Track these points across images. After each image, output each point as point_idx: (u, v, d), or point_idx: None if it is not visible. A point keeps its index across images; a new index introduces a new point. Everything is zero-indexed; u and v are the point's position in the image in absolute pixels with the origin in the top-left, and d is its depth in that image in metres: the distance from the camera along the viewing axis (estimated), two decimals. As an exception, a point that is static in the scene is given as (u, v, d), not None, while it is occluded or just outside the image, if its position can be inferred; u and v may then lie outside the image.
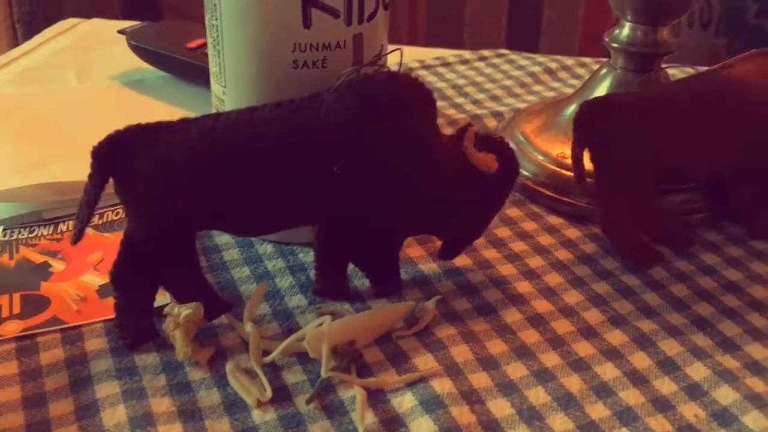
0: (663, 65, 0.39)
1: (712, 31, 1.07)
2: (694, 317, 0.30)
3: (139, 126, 0.27)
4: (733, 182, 0.36)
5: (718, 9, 1.06)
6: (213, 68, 0.32)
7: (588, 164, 0.33)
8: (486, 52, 0.58)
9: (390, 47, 0.34)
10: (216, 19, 0.30)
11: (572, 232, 0.36)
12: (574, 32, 0.91)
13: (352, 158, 0.27)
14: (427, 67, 0.55)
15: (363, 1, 0.29)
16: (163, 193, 0.27)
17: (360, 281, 0.32)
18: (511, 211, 0.37)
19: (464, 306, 0.31)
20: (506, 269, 0.33)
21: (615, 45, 0.38)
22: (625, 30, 0.38)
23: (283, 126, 0.27)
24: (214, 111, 0.33)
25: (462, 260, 0.33)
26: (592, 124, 0.33)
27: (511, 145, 0.41)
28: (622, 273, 0.33)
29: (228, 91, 0.31)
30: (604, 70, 0.40)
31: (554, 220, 0.37)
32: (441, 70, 0.55)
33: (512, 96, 0.51)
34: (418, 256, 0.33)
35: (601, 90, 0.39)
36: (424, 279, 0.32)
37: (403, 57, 0.31)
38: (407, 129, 0.28)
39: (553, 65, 0.55)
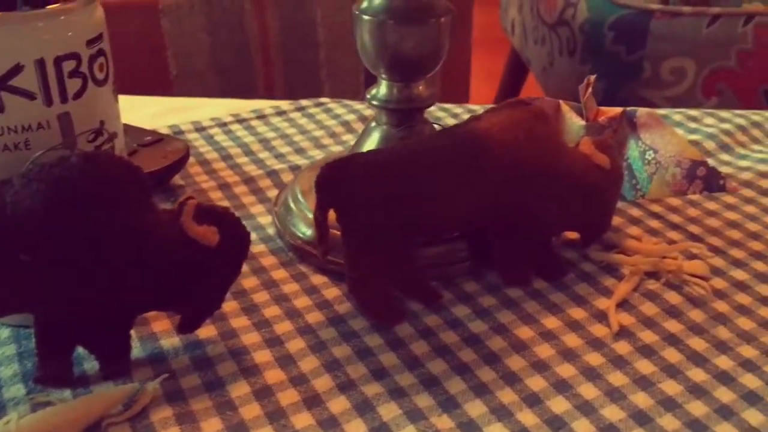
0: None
1: (578, 58, 1.11)
2: (425, 376, 0.31)
3: None
4: (488, 232, 0.36)
5: (581, 38, 1.10)
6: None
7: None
8: (305, 102, 0.58)
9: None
10: None
11: (332, 292, 0.36)
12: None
13: (41, 246, 0.27)
14: (241, 121, 0.55)
15: (63, 81, 0.29)
16: None
17: (91, 364, 0.31)
18: (277, 273, 0.37)
19: (193, 383, 0.30)
20: (250, 338, 0.33)
21: (375, 102, 0.39)
22: (382, 88, 0.39)
23: (-39, 217, 0.26)
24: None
25: (207, 331, 0.33)
26: (334, 186, 0.33)
27: (291, 203, 0.41)
28: (367, 333, 0.33)
29: (-63, 177, 0.30)
30: (372, 124, 0.40)
31: (318, 279, 0.37)
32: (255, 123, 0.54)
33: (318, 147, 0.51)
34: (161, 330, 0.33)
35: (370, 144, 0.40)
36: (161, 355, 0.31)
37: (123, 136, 0.30)
38: (106, 211, 0.28)
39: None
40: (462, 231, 0.37)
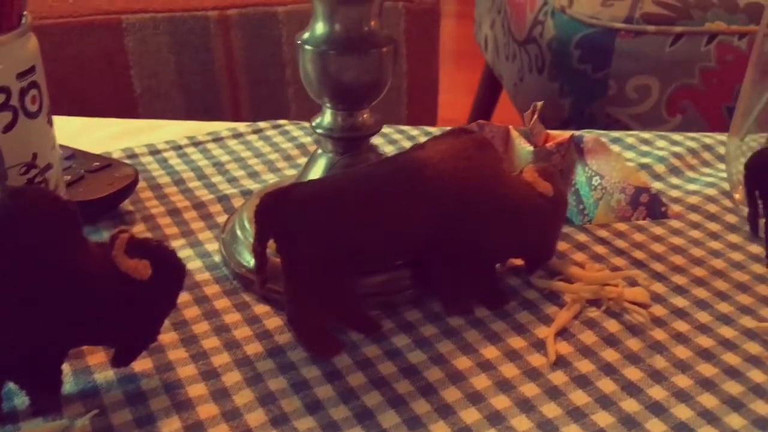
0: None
1: (546, 76, 1.11)
2: (359, 409, 0.30)
3: None
4: (429, 261, 0.36)
5: (549, 55, 1.11)
6: None
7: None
8: (262, 124, 0.58)
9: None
10: None
11: (274, 322, 0.36)
12: (401, 89, 0.93)
13: (-37, 283, 0.26)
14: (196, 144, 0.54)
15: (-9, 115, 0.29)
16: None
17: (21, 399, 0.30)
18: (219, 303, 0.37)
19: (123, 418, 0.30)
20: (186, 371, 0.32)
21: (320, 131, 0.39)
22: (327, 116, 0.39)
23: None
24: None
25: (143, 364, 0.32)
26: (273, 216, 0.33)
27: (238, 231, 0.41)
28: (304, 365, 0.33)
29: None
30: (319, 152, 0.40)
31: (261, 309, 0.36)
32: (210, 146, 0.54)
33: (272, 171, 0.51)
34: (96, 363, 0.32)
35: (315, 172, 0.40)
36: (94, 390, 0.31)
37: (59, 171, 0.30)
38: (33, 247, 0.27)
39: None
40: (404, 259, 0.37)
